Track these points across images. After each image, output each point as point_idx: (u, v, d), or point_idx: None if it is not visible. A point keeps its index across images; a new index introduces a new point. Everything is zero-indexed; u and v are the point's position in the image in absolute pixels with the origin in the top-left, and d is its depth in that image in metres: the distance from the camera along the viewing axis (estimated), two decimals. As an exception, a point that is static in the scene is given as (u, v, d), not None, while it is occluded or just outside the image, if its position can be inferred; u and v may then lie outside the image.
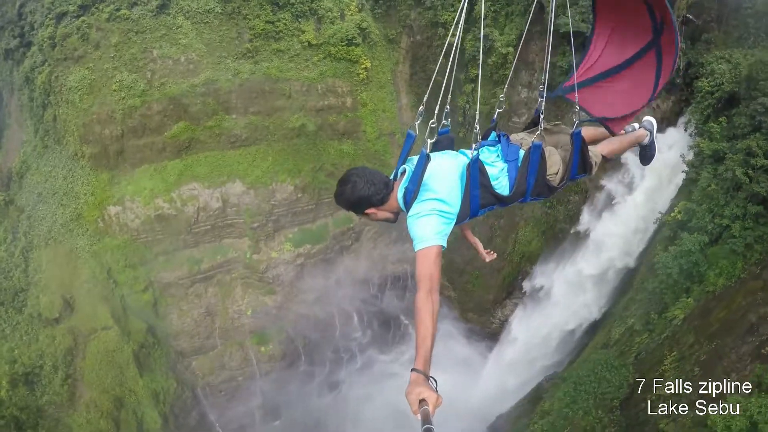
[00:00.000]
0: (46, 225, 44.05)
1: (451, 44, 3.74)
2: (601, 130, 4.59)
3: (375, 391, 44.39)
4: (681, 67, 32.38)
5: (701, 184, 27.97)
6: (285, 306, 44.72)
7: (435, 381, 2.85)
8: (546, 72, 4.64)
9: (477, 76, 41.63)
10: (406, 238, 36.77)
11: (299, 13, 43.41)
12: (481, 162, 3.75)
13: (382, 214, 3.74)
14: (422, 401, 2.49)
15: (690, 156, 30.60)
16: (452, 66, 3.55)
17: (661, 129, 34.21)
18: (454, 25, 3.66)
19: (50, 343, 40.07)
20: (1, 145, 54.10)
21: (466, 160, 3.72)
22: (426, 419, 2.39)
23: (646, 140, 4.89)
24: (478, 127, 3.82)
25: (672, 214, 29.62)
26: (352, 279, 45.67)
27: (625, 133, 4.80)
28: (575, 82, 4.30)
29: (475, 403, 41.43)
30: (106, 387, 38.65)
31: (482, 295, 44.84)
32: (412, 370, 2.69)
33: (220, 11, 42.80)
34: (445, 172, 3.58)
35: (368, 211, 3.68)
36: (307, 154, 43.16)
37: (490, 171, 3.83)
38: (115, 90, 41.67)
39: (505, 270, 43.94)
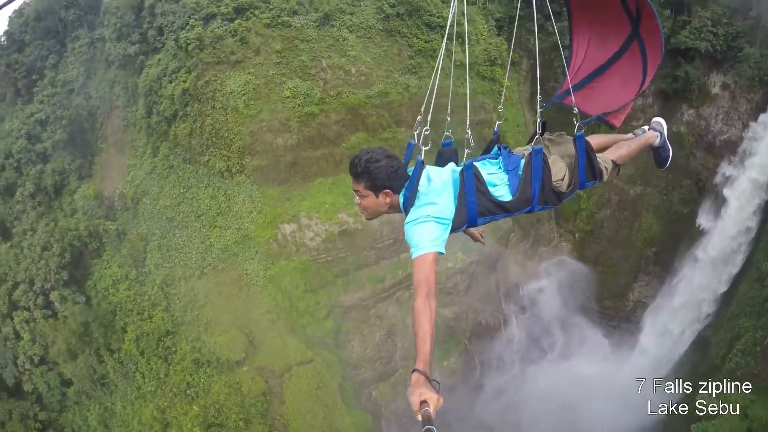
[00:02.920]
0: (194, 252, 27.07)
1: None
2: (608, 138, 3.38)
3: (533, 392, 33.70)
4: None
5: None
6: (461, 317, 32.26)
7: (438, 383, 1.97)
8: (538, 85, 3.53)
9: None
10: (540, 241, 26.65)
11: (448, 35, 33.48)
12: (477, 168, 2.70)
13: (388, 201, 2.59)
14: (423, 402, 1.79)
15: None
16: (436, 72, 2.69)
17: (755, 116, 30.48)
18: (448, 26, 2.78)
19: (232, 392, 22.98)
20: (92, 173, 34.91)
21: (461, 168, 2.66)
22: (427, 420, 1.72)
23: (657, 141, 3.43)
24: (469, 132, 2.84)
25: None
26: (507, 285, 34.92)
27: (634, 136, 3.43)
28: (569, 87, 3.18)
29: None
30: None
31: (615, 281, 36.42)
32: (413, 371, 1.94)
33: (381, 28, 31.05)
34: (440, 179, 2.62)
35: (387, 191, 2.56)
36: (472, 164, 32.54)
37: (489, 179, 2.75)
38: (288, 96, 27.36)
39: (632, 257, 36.35)
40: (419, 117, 2.70)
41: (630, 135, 3.48)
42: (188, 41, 27.42)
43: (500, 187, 2.79)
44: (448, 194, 2.59)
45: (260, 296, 25.35)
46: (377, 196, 2.59)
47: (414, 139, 2.71)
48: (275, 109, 27.06)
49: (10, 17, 41.89)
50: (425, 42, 31.95)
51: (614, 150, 3.31)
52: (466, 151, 2.75)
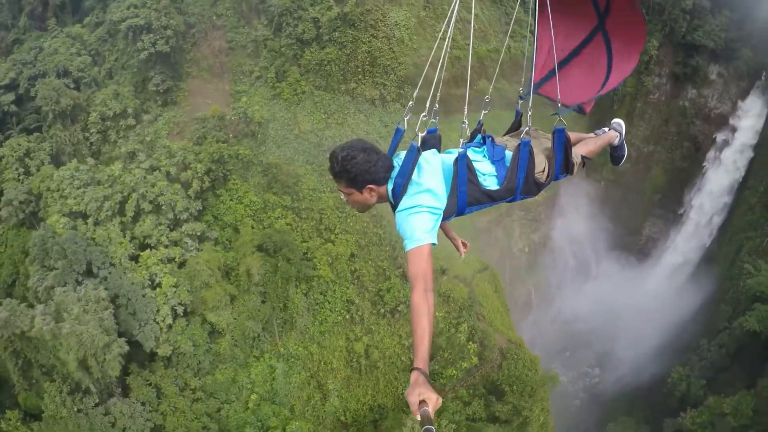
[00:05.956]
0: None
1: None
2: (576, 135, 3.78)
3: (582, 311, 44.62)
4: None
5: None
6: (541, 242, 40.98)
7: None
8: (531, 74, 3.63)
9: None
10: (575, 186, 39.07)
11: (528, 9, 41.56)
12: (469, 158, 2.90)
13: (374, 195, 2.75)
14: (422, 402, 1.98)
15: None
16: (443, 64, 2.89)
17: (743, 97, 46.05)
18: (447, 19, 2.94)
19: (442, 300, 26.68)
20: (177, 99, 32.95)
21: (453, 157, 2.85)
22: (426, 420, 1.89)
23: (617, 141, 4.00)
24: (466, 122, 3.08)
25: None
26: (562, 218, 44.87)
27: (597, 135, 3.97)
28: (543, 76, 3.66)
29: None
30: (502, 331, 28.35)
31: (631, 221, 49.15)
32: (412, 370, 2.15)
33: (488, -6, 37.56)
34: (433, 168, 2.77)
35: (371, 186, 2.68)
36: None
37: (478, 168, 2.98)
38: (441, 38, 31.84)
39: (643, 201, 49.72)
40: (410, 102, 2.81)
41: (592, 134, 3.88)
42: (345, -33, 29.78)
43: (488, 177, 2.95)
44: (441, 183, 2.69)
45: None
46: (361, 192, 2.66)
47: (403, 125, 2.81)
48: (431, 47, 31.48)
49: None
50: (523, 12, 39.60)
51: (584, 145, 3.66)
52: (461, 140, 2.91)
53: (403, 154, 2.72)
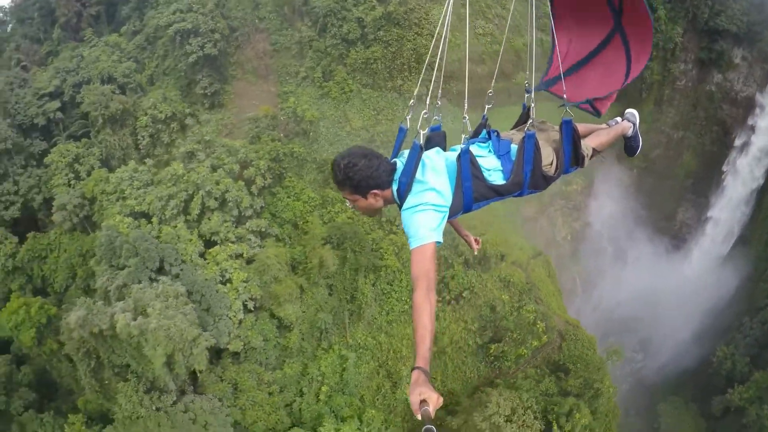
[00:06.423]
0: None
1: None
2: (586, 126, 3.69)
3: (623, 296, 45.84)
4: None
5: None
6: (582, 230, 42.39)
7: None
8: (532, 72, 3.52)
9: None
10: (606, 176, 40.67)
11: None
12: (472, 154, 2.94)
13: (379, 200, 2.80)
14: (423, 402, 1.99)
15: None
16: (440, 63, 2.84)
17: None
18: (441, 21, 2.86)
19: (503, 285, 28.38)
20: (223, 102, 34.28)
21: (456, 154, 2.89)
22: (427, 419, 1.90)
23: (630, 132, 3.90)
24: (467, 117, 3.08)
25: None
26: (598, 205, 46.30)
27: (609, 126, 3.89)
28: (555, 75, 3.65)
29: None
30: (559, 314, 29.73)
31: (665, 206, 50.55)
32: (413, 369, 2.17)
33: (518, -11, 39.39)
34: (437, 165, 2.80)
35: (375, 191, 2.74)
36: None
37: (483, 164, 3.00)
38: (480, 34, 33.50)
39: (676, 187, 51.04)
40: (412, 101, 2.89)
41: (604, 125, 3.82)
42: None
43: (493, 172, 2.98)
44: (445, 180, 2.73)
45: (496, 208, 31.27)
46: (366, 198, 2.72)
47: (406, 124, 2.83)
48: (473, 43, 33.01)
49: None
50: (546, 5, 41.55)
51: (595, 137, 3.61)
52: (463, 136, 2.94)
53: (407, 153, 2.74)
